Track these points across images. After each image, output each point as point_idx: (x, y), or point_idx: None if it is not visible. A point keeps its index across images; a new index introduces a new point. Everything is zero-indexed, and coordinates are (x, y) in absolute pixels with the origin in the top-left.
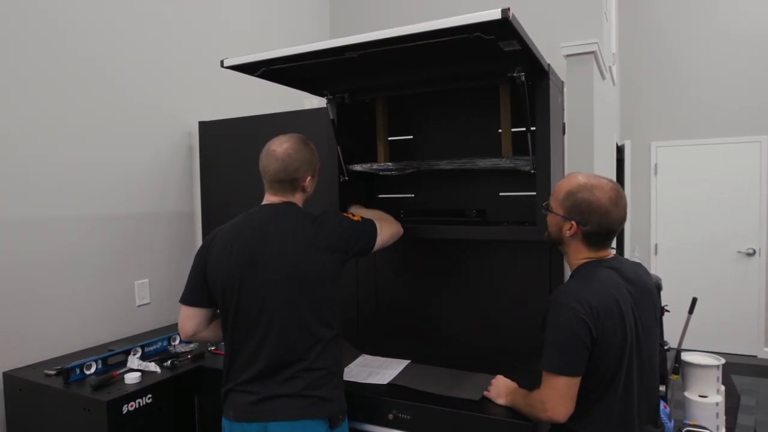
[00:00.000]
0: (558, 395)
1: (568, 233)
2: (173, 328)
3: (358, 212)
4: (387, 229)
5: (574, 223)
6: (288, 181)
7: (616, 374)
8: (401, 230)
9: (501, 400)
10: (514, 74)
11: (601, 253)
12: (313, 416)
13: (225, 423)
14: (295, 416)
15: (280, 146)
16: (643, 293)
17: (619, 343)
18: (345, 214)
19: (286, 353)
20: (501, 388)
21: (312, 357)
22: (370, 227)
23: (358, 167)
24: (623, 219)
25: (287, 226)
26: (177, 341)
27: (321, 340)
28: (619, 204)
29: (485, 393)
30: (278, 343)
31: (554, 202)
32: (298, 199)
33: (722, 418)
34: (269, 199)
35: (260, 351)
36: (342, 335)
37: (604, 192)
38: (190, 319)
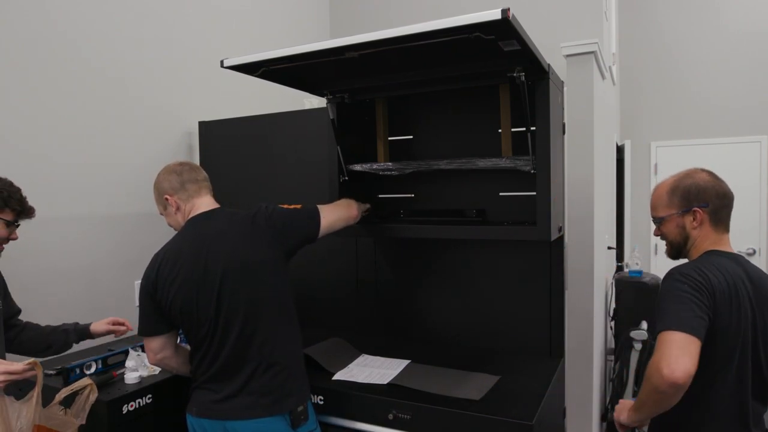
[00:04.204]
0: (675, 347)
1: (694, 224)
2: None
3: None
4: (331, 213)
5: (697, 209)
6: (209, 181)
7: (729, 360)
8: (353, 213)
9: (623, 416)
10: (514, 74)
11: (725, 238)
12: (271, 414)
13: (188, 419)
14: (250, 415)
15: (175, 164)
16: (764, 298)
17: (734, 329)
18: (282, 205)
19: (245, 349)
20: (622, 407)
21: (269, 351)
22: (308, 213)
23: (358, 167)
24: (728, 188)
25: (223, 227)
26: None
27: (277, 332)
28: (716, 177)
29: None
30: (237, 340)
31: (660, 210)
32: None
33: None
34: (199, 206)
35: (220, 350)
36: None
37: (698, 173)
38: (154, 345)
